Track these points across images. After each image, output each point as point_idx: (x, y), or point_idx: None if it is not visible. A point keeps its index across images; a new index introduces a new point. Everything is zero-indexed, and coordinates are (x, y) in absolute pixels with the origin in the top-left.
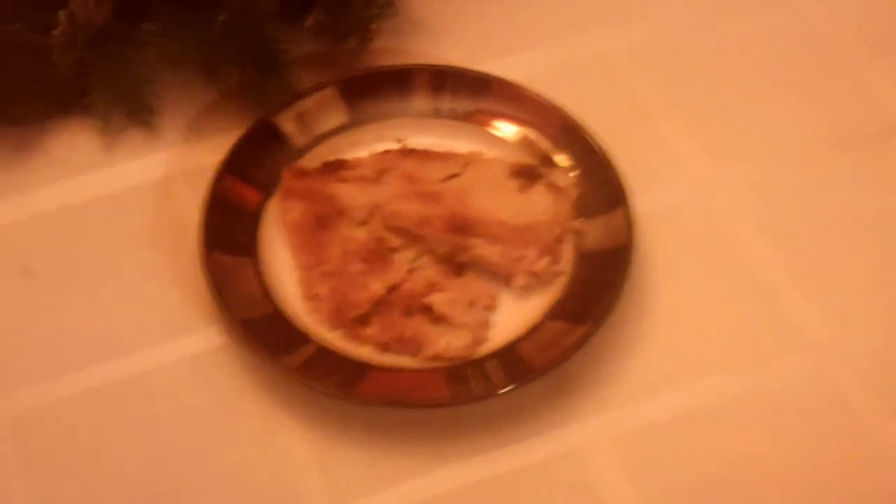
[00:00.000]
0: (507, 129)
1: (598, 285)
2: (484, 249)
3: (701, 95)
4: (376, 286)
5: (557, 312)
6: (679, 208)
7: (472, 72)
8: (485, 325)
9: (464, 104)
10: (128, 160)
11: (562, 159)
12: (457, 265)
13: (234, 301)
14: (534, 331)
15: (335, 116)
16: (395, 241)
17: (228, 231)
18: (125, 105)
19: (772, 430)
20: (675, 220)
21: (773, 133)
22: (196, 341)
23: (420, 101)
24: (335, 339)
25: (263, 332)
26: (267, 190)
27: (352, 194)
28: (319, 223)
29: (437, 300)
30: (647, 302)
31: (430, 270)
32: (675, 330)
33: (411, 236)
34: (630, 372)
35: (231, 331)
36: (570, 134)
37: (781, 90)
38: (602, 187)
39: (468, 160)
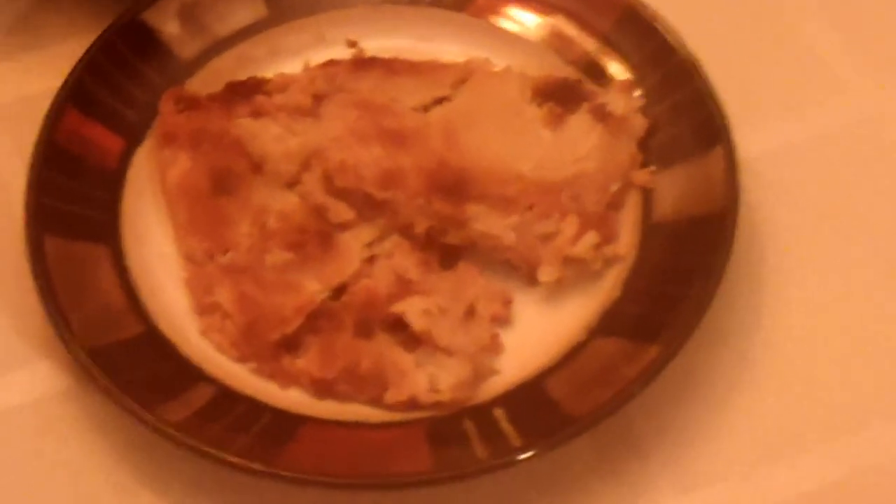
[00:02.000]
0: (528, 21)
1: (678, 279)
2: (489, 222)
3: None
4: (312, 287)
5: (611, 324)
6: (813, 154)
7: None
8: (492, 347)
9: None
10: None
11: (619, 70)
12: (445, 250)
13: (80, 316)
14: (572, 356)
15: (245, 7)
16: (343, 211)
17: (71, 201)
18: None
19: None
20: (807, 173)
21: None
22: (23, 382)
23: None
24: (246, 375)
25: (129, 367)
26: (134, 133)
27: (273, 136)
28: (219, 185)
29: (413, 309)
30: (758, 308)
31: (401, 259)
32: (802, 357)
33: (371, 204)
34: (730, 426)
35: (77, 366)
36: (633, 26)
37: None
38: (686, 116)
39: (464, 74)
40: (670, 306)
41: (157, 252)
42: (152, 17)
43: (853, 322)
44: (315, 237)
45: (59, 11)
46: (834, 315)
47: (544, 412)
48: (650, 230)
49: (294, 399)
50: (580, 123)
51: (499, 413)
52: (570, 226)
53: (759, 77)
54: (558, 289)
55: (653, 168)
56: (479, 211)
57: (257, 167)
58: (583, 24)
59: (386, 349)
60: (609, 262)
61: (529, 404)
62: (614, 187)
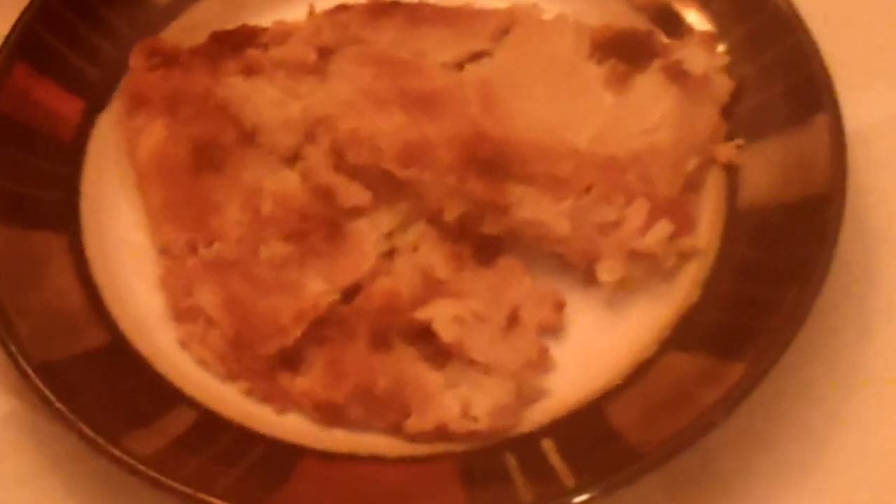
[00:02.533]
0: None
1: (770, 280)
2: (537, 207)
3: None
4: (317, 288)
5: (687, 335)
6: None
7: None
8: (539, 363)
9: None
10: None
11: (698, 19)
12: (482, 243)
13: (29, 323)
14: (638, 374)
15: None
16: (356, 194)
17: (18, 179)
18: None
19: None
20: None
21: None
22: None
23: None
24: (234, 397)
25: (89, 387)
26: (97, 95)
27: (269, 100)
28: (203, 160)
29: (441, 315)
30: (867, 317)
31: (427, 254)
32: None
33: (390, 184)
34: (833, 465)
35: (25, 384)
36: None
37: None
38: (780, 77)
39: (506, 23)
40: (760, 314)
41: (124, 243)
42: None
43: None
44: (320, 226)
45: None
46: None
47: (604, 444)
48: (736, 218)
49: (293, 427)
50: (650, 85)
51: (548, 445)
52: (637, 212)
53: (871, 32)
54: (622, 291)
55: (739, 141)
56: (525, 193)
57: (249, 138)
58: None
59: (408, 365)
60: (685, 257)
61: (584, 435)
62: (692, 164)
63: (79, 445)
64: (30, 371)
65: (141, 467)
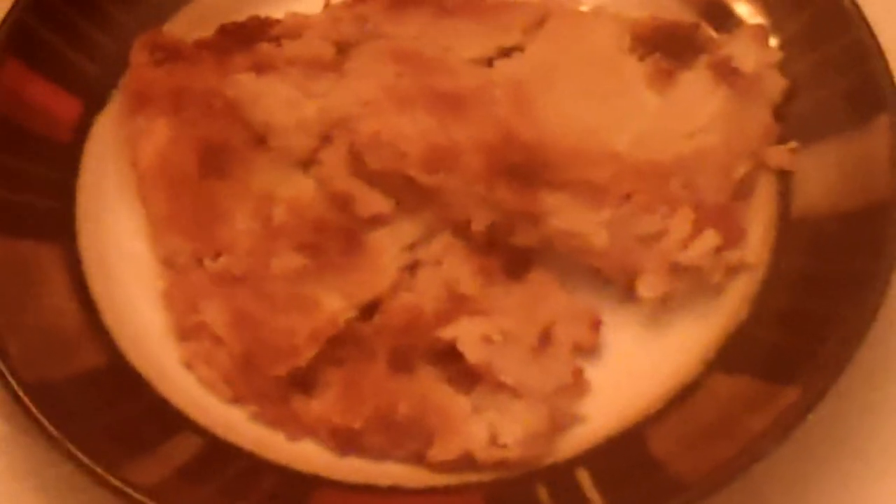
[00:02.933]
0: None
1: (826, 296)
2: (572, 217)
3: None
4: (333, 304)
5: (735, 357)
6: None
7: None
8: (574, 387)
9: None
10: None
11: (749, 11)
12: (513, 255)
13: (20, 340)
14: (682, 399)
15: None
16: (376, 202)
17: (10, 185)
18: None
19: None
20: None
21: None
22: None
23: None
24: (243, 422)
25: (85, 410)
26: (95, 93)
27: (282, 99)
28: (210, 164)
29: (468, 334)
30: None
31: (453, 267)
32: None
33: (414, 191)
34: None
35: (15, 406)
36: None
37: None
38: (838, 75)
39: (540, 16)
40: (814, 333)
41: (124, 254)
42: None
43: None
44: (337, 236)
45: None
46: None
47: (644, 475)
48: (789, 229)
49: (307, 455)
50: (696, 83)
51: (582, 475)
52: (681, 222)
53: None
54: (664, 308)
55: (793, 144)
56: (559, 202)
57: (260, 140)
58: None
59: (431, 388)
60: (733, 271)
61: (623, 464)
62: (741, 170)
63: (75, 474)
64: (21, 393)
65: (143, 499)
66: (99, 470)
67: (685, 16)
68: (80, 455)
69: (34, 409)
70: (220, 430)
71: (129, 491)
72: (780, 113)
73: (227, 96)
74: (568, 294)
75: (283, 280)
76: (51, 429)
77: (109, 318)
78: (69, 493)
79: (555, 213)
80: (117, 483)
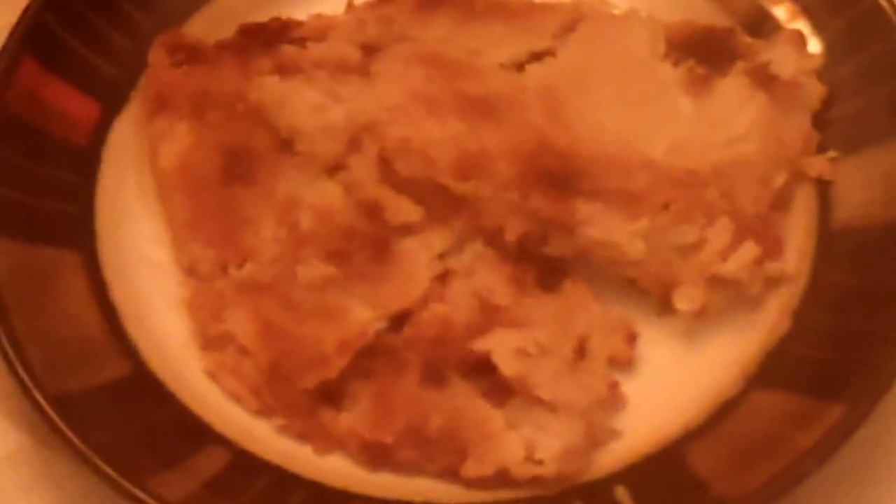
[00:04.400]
0: None
1: (869, 309)
2: (607, 226)
3: None
4: (362, 314)
5: (776, 371)
6: None
7: None
8: (611, 401)
9: None
10: None
11: (787, 15)
12: (546, 265)
13: (42, 351)
14: (722, 415)
15: None
16: (406, 209)
17: (28, 189)
18: None
19: None
20: None
21: None
22: None
23: None
24: (270, 435)
25: (109, 422)
26: (113, 95)
27: (307, 103)
28: (233, 169)
29: (501, 346)
30: None
31: (485, 277)
32: None
33: (444, 199)
34: None
35: (38, 418)
36: None
37: None
38: (879, 82)
39: (572, 19)
40: (858, 347)
41: (145, 261)
42: None
43: None
44: (366, 245)
45: None
46: None
47: (684, 493)
48: (829, 240)
49: (336, 469)
50: (733, 90)
51: (621, 493)
52: (719, 233)
53: None
54: (702, 320)
55: (833, 153)
56: (594, 211)
57: (285, 145)
58: None
59: (464, 402)
60: (772, 284)
61: (663, 482)
62: (780, 179)
63: (98, 487)
64: (44, 403)
65: None
66: (126, 484)
67: (720, 20)
68: (106, 468)
69: (59, 421)
70: (246, 443)
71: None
72: (819, 121)
73: (251, 99)
74: (603, 306)
75: (311, 289)
76: (75, 440)
77: (131, 326)
78: None
79: (589, 223)
80: (144, 497)
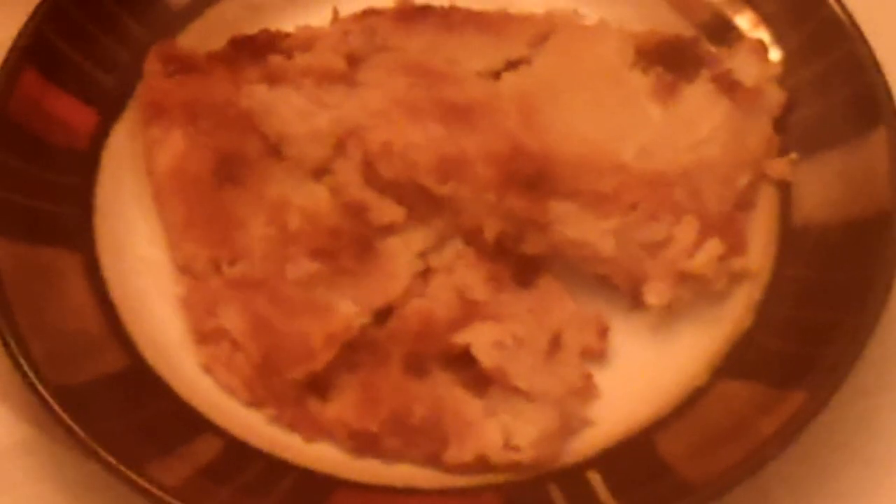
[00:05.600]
0: None
1: (829, 302)
2: (580, 225)
3: None
4: (348, 309)
5: (740, 362)
6: None
7: None
8: (584, 391)
9: None
10: None
11: (749, 24)
12: (522, 263)
13: (44, 345)
14: (689, 404)
15: None
16: (388, 210)
17: (30, 193)
18: None
19: None
20: None
21: None
22: None
23: None
24: (261, 424)
25: (109, 412)
26: (111, 104)
27: (295, 110)
28: (225, 173)
29: (480, 339)
30: None
31: (464, 274)
32: None
33: (425, 200)
34: None
35: (42, 410)
36: None
37: None
38: (837, 87)
39: (545, 30)
40: (818, 339)
41: (143, 261)
42: None
43: None
44: (351, 244)
45: None
46: None
47: (653, 477)
48: (790, 237)
49: (324, 456)
50: (698, 96)
51: (594, 478)
52: (686, 231)
53: None
54: (670, 314)
55: (793, 155)
56: (567, 210)
57: (274, 150)
58: None
59: (445, 392)
60: (737, 279)
61: (634, 467)
62: (743, 180)
63: (98, 474)
64: (47, 395)
65: (167, 498)
66: (125, 470)
67: (686, 30)
68: (106, 456)
69: (61, 412)
70: (239, 432)
71: (155, 490)
72: (780, 125)
73: (241, 107)
74: (576, 301)
75: (299, 286)
76: (76, 429)
77: (129, 322)
78: (90, 492)
79: (563, 222)
80: (143, 482)
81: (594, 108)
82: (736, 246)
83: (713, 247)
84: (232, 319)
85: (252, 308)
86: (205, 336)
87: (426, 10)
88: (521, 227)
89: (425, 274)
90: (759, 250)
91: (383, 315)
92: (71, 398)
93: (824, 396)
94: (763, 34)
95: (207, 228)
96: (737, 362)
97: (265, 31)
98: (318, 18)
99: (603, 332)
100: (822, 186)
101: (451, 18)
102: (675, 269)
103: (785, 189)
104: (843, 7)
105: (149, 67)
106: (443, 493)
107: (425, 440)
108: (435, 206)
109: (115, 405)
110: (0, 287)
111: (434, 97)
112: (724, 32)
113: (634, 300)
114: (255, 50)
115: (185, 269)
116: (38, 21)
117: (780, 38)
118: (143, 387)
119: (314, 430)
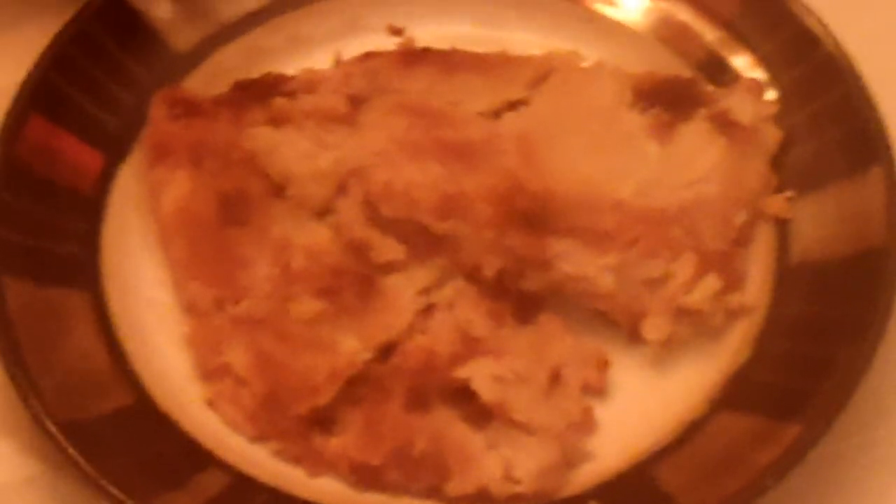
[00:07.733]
0: (629, 2)
1: (825, 337)
2: (579, 262)
3: None
4: (351, 346)
5: (738, 395)
6: None
7: None
8: (584, 424)
9: None
10: None
11: (746, 65)
12: (522, 299)
13: (52, 383)
14: (688, 436)
15: None
16: (390, 248)
17: (37, 234)
18: None
19: None
20: None
21: None
22: None
23: None
24: (266, 459)
25: (115, 448)
26: (117, 146)
27: (298, 151)
28: (229, 213)
29: (481, 374)
30: None
31: (465, 311)
32: None
33: (426, 238)
34: None
35: (50, 445)
36: (765, 9)
37: None
38: (832, 126)
39: (544, 71)
40: (814, 373)
41: (149, 300)
42: None
43: None
44: (354, 282)
45: None
46: None
47: None
48: (787, 274)
49: (328, 490)
50: (696, 135)
51: None
52: (684, 267)
53: None
54: (669, 349)
55: (790, 193)
56: (567, 247)
57: (278, 190)
58: (700, 6)
59: (447, 426)
60: (734, 314)
61: (634, 498)
62: (740, 218)
63: None
64: (56, 431)
65: None
66: None
67: (683, 70)
68: (114, 490)
69: (69, 447)
70: (244, 467)
71: None
72: (776, 163)
73: (245, 148)
74: (575, 337)
75: (303, 323)
76: (84, 465)
77: (136, 359)
78: None
79: (562, 259)
80: None
81: (593, 147)
82: (733, 282)
83: (711, 283)
84: (237, 356)
85: (256, 345)
86: (210, 373)
87: (427, 52)
88: (520, 265)
89: (427, 311)
90: (757, 286)
91: (386, 351)
92: (79, 434)
93: (821, 428)
94: (759, 74)
95: (212, 268)
96: (734, 395)
97: (269, 75)
98: (321, 62)
99: (603, 367)
100: (818, 224)
101: (451, 61)
102: (674, 305)
103: (782, 226)
104: (839, 47)
105: (154, 111)
106: None
107: (427, 473)
108: (436, 244)
109: (122, 441)
110: (9, 325)
111: (434, 137)
112: (720, 73)
113: (633, 335)
114: (259, 93)
115: (190, 307)
116: (45, 66)
117: (775, 78)
118: (150, 423)
119: (318, 464)
